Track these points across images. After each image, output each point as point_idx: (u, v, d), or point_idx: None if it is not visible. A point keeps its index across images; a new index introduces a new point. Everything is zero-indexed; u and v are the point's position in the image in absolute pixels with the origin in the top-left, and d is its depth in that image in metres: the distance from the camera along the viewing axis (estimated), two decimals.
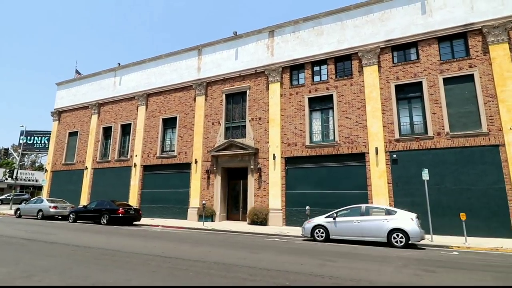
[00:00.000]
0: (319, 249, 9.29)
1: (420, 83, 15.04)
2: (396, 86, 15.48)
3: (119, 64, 24.68)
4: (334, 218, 11.09)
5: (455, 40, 14.98)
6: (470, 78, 14.24)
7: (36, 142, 45.61)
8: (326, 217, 11.38)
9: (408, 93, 15.43)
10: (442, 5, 15.13)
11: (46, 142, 45.38)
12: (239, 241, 10.74)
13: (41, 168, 62.26)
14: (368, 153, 15.29)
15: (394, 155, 14.84)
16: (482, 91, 13.86)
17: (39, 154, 54.13)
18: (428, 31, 15.20)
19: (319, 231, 11.16)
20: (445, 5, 15.08)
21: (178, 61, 21.89)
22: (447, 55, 14.99)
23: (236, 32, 19.89)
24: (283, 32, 18.63)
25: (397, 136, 14.97)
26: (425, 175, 12.22)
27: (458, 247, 10.61)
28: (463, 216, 11.32)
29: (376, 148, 15.01)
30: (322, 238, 11.03)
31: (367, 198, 14.90)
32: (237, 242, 10.60)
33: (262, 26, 18.77)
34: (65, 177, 25.45)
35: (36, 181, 48.62)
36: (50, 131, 44.62)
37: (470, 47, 14.48)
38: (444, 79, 14.62)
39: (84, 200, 23.41)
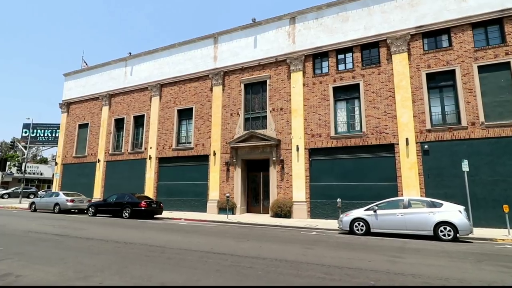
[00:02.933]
0: (369, 243, 8.91)
1: (453, 71, 14.51)
2: (427, 75, 14.94)
3: (130, 53, 23.93)
4: (374, 211, 10.70)
5: (490, 26, 14.41)
6: (506, 66, 13.73)
7: (39, 135, 44.88)
8: (365, 209, 10.99)
9: (440, 82, 14.90)
10: None
11: (49, 134, 44.71)
12: (279, 235, 10.35)
13: (44, 161, 61.62)
14: (398, 144, 14.85)
15: (426, 146, 14.40)
16: None
17: (41, 147, 53.33)
18: (462, 17, 14.60)
19: (359, 224, 10.78)
20: None
21: (192, 50, 21.18)
22: (481, 42, 14.43)
23: (254, 19, 19.18)
24: (305, 19, 17.95)
25: (428, 126, 14.51)
26: (465, 166, 11.81)
27: (503, 240, 10.28)
28: (506, 208, 10.95)
29: (407, 139, 14.56)
30: (362, 232, 10.65)
31: (396, 190, 14.52)
32: (277, 236, 10.21)
33: (282, 13, 18.04)
34: (76, 170, 24.93)
35: (41, 174, 48.13)
36: (53, 124, 44.05)
37: (506, 33, 13.91)
38: (478, 67, 14.10)
39: (97, 193, 22.97)
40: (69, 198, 18.14)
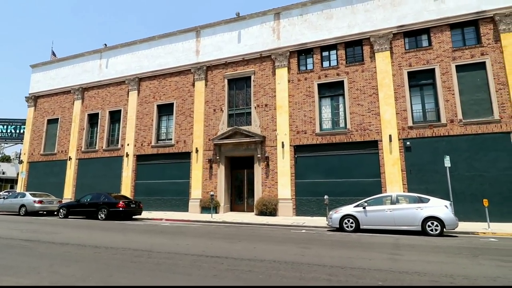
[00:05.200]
0: (362, 240, 8.85)
1: (433, 70, 14.90)
2: (409, 73, 15.26)
3: (105, 45, 22.60)
4: (364, 208, 10.70)
5: (467, 28, 14.91)
6: (482, 65, 14.27)
7: (1, 131, 41.72)
8: (355, 206, 10.97)
9: (420, 80, 15.27)
10: None
11: (13, 130, 41.68)
12: (270, 234, 10.06)
13: (6, 159, 57.43)
14: (381, 141, 15.06)
15: (408, 143, 14.71)
16: (494, 78, 13.94)
17: (3, 144, 49.72)
18: (441, 18, 15.01)
19: (349, 221, 10.74)
20: None
21: (173, 43, 20.34)
22: (459, 42, 14.91)
23: (238, 14, 18.71)
24: (290, 15, 17.73)
25: (410, 123, 14.82)
26: (447, 162, 12.16)
27: (484, 233, 10.63)
28: (485, 203, 11.36)
29: (390, 136, 14.79)
30: (352, 229, 10.63)
31: (380, 186, 14.74)
32: (268, 235, 9.92)
33: (266, 8, 17.83)
34: (44, 169, 23.27)
35: (3, 173, 44.75)
36: (17, 119, 41.13)
37: (481, 34, 14.46)
38: (456, 66, 14.56)
39: (68, 193, 21.57)
40: (37, 199, 16.80)
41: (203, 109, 18.70)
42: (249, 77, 18.06)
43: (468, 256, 6.60)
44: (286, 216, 15.53)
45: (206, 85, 19.02)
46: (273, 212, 15.78)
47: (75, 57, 23.81)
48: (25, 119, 27.63)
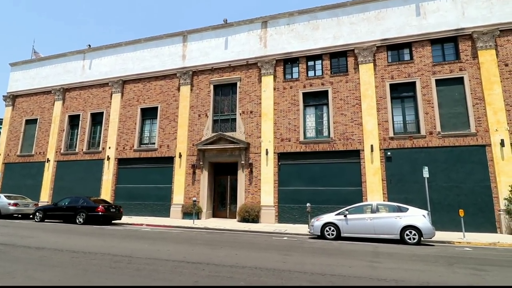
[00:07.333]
0: (343, 248, 8.97)
1: (414, 83, 15.45)
2: (391, 85, 15.75)
3: (89, 46, 22.17)
4: (345, 216, 10.87)
5: (447, 44, 15.60)
6: (460, 80, 14.92)
7: None
8: (336, 214, 11.13)
9: (402, 93, 15.79)
10: (436, 8, 15.66)
11: None
12: (252, 241, 10.04)
13: None
14: (363, 150, 15.39)
15: (389, 153, 15.10)
16: (471, 93, 14.60)
17: None
18: (422, 33, 15.64)
19: (330, 229, 10.87)
20: (438, 9, 15.62)
21: (160, 46, 20.21)
22: (438, 57, 15.56)
23: (226, 20, 18.83)
24: (277, 24, 18.03)
25: (391, 134, 15.25)
26: (426, 172, 12.54)
27: (459, 242, 10.97)
28: (461, 213, 11.79)
29: (371, 146, 15.15)
30: (333, 236, 10.76)
31: (361, 194, 15.02)
32: (250, 242, 9.89)
33: (254, 16, 18.06)
34: (21, 170, 22.38)
35: None
36: None
37: (460, 51, 15.15)
38: (436, 80, 15.16)
39: (45, 196, 20.80)
40: (12, 202, 16.11)
41: (188, 114, 18.59)
42: (235, 84, 18.14)
43: (444, 264, 6.81)
44: (268, 223, 15.54)
45: (191, 90, 18.95)
46: (255, 219, 15.75)
47: (57, 56, 23.23)
48: (1, 119, 26.59)
